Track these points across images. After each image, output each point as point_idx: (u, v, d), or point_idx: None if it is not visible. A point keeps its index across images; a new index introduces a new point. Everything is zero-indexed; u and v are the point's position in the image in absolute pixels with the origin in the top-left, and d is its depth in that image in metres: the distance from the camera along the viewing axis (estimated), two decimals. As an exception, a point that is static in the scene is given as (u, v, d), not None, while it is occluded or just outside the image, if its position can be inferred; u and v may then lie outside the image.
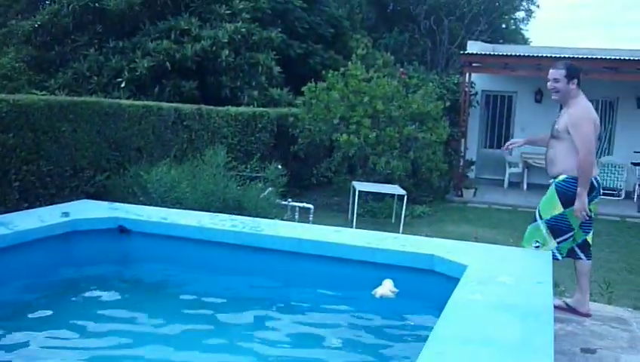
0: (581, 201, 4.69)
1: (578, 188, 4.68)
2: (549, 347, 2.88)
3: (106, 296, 4.59)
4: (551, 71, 4.87)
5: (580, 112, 4.83)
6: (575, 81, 4.82)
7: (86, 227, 5.60)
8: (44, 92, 10.58)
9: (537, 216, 4.93)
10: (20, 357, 3.54)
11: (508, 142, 5.54)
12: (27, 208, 6.46)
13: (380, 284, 4.25)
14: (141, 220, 5.55)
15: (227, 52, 12.75)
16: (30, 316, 4.12)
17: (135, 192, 7.59)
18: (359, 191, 10.29)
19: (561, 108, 5.05)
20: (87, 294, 4.61)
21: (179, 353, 3.69)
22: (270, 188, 8.34)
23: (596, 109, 16.76)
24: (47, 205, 6.44)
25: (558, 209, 4.79)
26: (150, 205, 6.60)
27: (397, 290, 4.14)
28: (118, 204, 6.19)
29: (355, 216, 10.20)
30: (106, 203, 6.27)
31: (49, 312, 4.21)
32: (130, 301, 4.53)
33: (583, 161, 4.68)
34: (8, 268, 4.68)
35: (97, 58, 12.53)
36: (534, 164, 15.99)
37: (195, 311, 4.32)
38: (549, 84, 4.90)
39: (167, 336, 3.91)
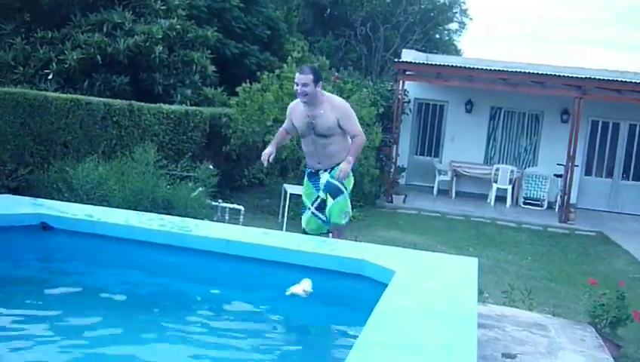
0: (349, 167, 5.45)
1: (352, 158, 5.43)
2: (472, 352, 2.94)
3: (26, 294, 4.42)
4: (299, 76, 5.26)
5: (342, 103, 5.54)
6: (320, 83, 5.32)
7: (6, 223, 5.38)
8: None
9: (342, 189, 5.50)
10: None
11: (264, 155, 5.64)
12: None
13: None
14: (65, 217, 5.37)
15: (161, 48, 12.51)
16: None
17: (60, 188, 7.36)
18: (290, 193, 10.28)
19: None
20: (3, 293, 4.42)
21: (97, 353, 3.57)
22: (200, 188, 8.23)
23: (523, 122, 17.33)
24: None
25: (351, 183, 5.62)
26: (75, 202, 6.41)
27: (311, 291, 4.10)
28: (41, 199, 5.98)
29: (285, 218, 10.19)
30: (29, 198, 6.05)
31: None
32: (51, 300, 4.37)
33: (362, 140, 5.53)
34: None
35: (24, 48, 12.07)
36: (463, 172, 16.39)
37: (118, 311, 4.20)
38: (298, 88, 5.25)
39: (88, 336, 3.79)
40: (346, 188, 5.51)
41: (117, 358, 3.59)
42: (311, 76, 5.22)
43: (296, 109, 5.53)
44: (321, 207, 5.58)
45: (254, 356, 3.85)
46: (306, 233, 5.67)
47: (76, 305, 4.35)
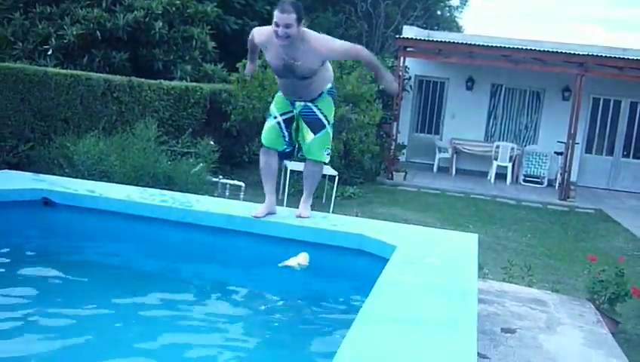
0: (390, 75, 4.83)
1: (385, 73, 4.71)
2: (472, 326, 2.96)
3: (27, 270, 4.43)
4: (280, 15, 4.20)
5: (323, 39, 4.51)
6: (302, 21, 4.34)
7: (8, 198, 5.39)
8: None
9: (325, 123, 4.76)
10: None
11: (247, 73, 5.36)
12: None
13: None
14: (67, 193, 5.38)
15: (161, 24, 12.45)
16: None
17: (61, 164, 7.36)
18: (291, 170, 10.28)
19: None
20: (5, 268, 4.44)
21: (98, 329, 3.60)
22: (201, 164, 8.24)
23: (523, 99, 17.28)
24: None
25: (333, 112, 4.86)
26: (76, 178, 6.41)
27: (306, 265, 4.12)
28: (42, 175, 5.98)
29: (286, 195, 10.20)
30: (30, 174, 6.05)
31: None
32: (52, 275, 4.39)
33: (361, 49, 4.65)
34: None
35: (22, 23, 12.00)
36: (463, 150, 16.38)
37: (119, 286, 4.23)
38: (279, 30, 4.22)
39: (88, 311, 3.81)
40: (328, 121, 4.77)
41: (118, 332, 3.62)
42: (294, 15, 4.21)
43: (269, 42, 4.47)
44: (289, 124, 4.77)
45: (255, 330, 3.89)
46: (262, 145, 4.96)
47: (77, 281, 4.37)
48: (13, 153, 7.70)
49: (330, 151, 4.93)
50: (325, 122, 4.77)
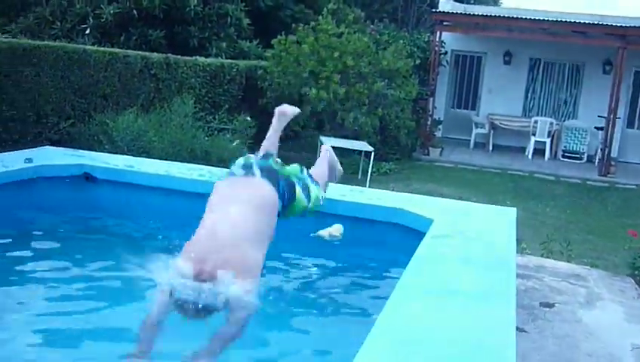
0: None
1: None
2: (511, 299, 2.95)
3: (68, 243, 4.54)
4: None
5: None
6: None
7: (51, 173, 5.51)
8: (5, 35, 10.25)
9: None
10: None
11: None
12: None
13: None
14: (107, 168, 5.48)
15: (195, 1, 12.48)
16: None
17: (101, 140, 7.48)
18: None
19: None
20: (48, 242, 4.54)
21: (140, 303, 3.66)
22: (238, 140, 8.29)
23: (563, 73, 16.91)
24: (10, 151, 6.31)
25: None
26: (116, 153, 6.51)
27: (339, 236, 4.16)
28: (83, 151, 6.09)
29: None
30: (72, 150, 6.16)
31: (10, 258, 4.15)
32: (92, 249, 4.48)
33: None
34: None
35: (60, 3, 12.14)
36: (500, 125, 16.17)
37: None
38: None
39: (129, 285, 3.87)
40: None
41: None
42: None
43: None
44: None
45: (292, 301, 3.91)
46: None
47: (116, 255, 4.43)
48: (54, 130, 7.85)
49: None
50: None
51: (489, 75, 17.31)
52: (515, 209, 4.81)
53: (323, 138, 10.80)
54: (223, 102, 11.03)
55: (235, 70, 11.69)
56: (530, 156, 15.54)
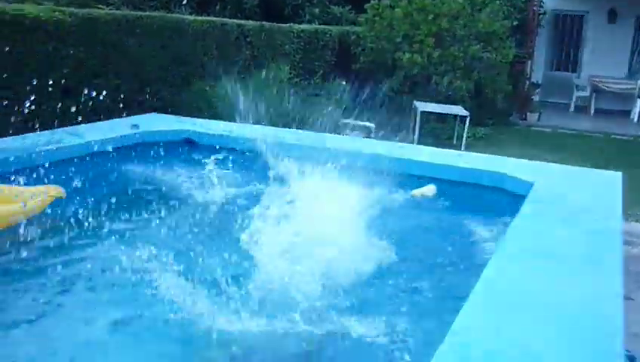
0: None
1: None
2: (617, 265, 2.87)
3: (173, 206, 4.70)
4: None
5: None
6: None
7: (154, 139, 5.76)
8: (110, 7, 10.67)
9: None
10: (93, 258, 3.72)
11: None
12: (97, 120, 6.64)
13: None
14: (207, 133, 5.67)
15: (289, -32, 12.54)
16: (96, 225, 4.26)
17: (200, 107, 7.71)
18: (421, 111, 10.18)
19: None
20: (154, 205, 4.71)
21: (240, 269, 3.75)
22: (332, 106, 8.33)
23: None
24: (117, 118, 6.62)
25: None
26: (215, 119, 6.68)
27: (430, 196, 4.16)
28: (185, 117, 6.31)
29: (417, 136, 10.14)
30: (174, 116, 6.40)
31: (116, 220, 4.35)
32: (194, 210, 4.60)
33: None
34: (80, 177, 4.88)
35: (157, -26, 12.49)
36: (603, 88, 15.45)
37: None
38: None
39: (231, 246, 3.98)
40: None
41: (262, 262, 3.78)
42: None
43: None
44: None
45: (390, 264, 3.93)
46: None
47: (216, 216, 4.56)
48: (157, 97, 8.14)
49: None
50: None
51: (591, 35, 16.52)
52: (620, 173, 4.64)
53: (418, 103, 10.69)
54: (317, 68, 11.09)
55: (328, 36, 11.70)
56: (635, 120, 14.80)
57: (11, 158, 4.54)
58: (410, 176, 4.60)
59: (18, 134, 5.03)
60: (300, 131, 5.65)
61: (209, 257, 3.48)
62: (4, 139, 5.03)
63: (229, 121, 6.51)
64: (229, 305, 2.97)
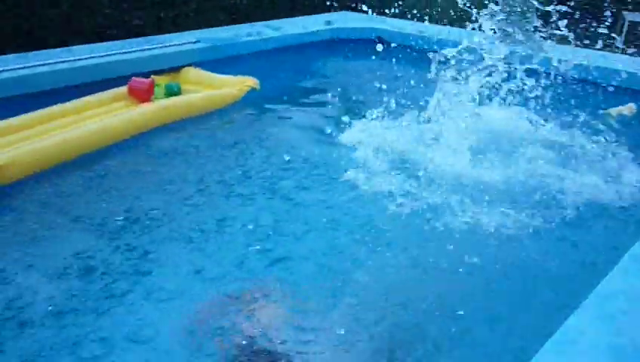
0: None
1: None
2: None
3: (360, 101, 4.79)
4: None
5: None
6: None
7: (346, 36, 5.88)
8: None
9: None
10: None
11: None
12: (293, 16, 6.87)
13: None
14: (399, 32, 5.68)
15: None
16: (284, 108, 4.50)
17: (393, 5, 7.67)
18: (630, 21, 9.35)
19: None
20: (346, 102, 4.82)
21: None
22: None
23: None
24: (311, 14, 6.80)
25: None
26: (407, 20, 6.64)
27: (628, 115, 3.98)
28: (377, 16, 6.34)
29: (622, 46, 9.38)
30: (366, 14, 6.44)
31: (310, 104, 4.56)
32: (380, 111, 4.64)
33: None
34: (276, 65, 5.15)
35: None
36: None
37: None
38: None
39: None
40: None
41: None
42: None
43: None
44: None
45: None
46: None
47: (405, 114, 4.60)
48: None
49: None
50: None
51: None
52: None
53: (626, 13, 9.81)
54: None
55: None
56: None
57: (219, 47, 4.91)
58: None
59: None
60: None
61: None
62: (214, 29, 5.41)
63: (420, 22, 6.42)
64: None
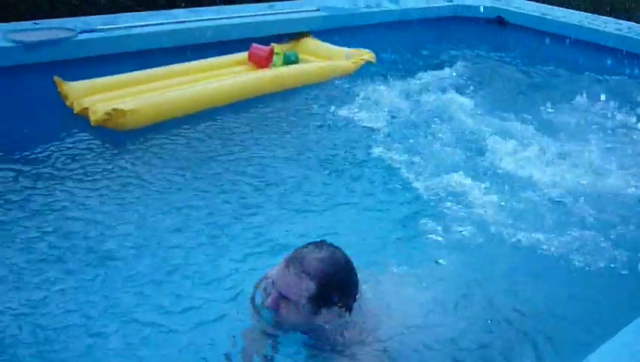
0: None
1: None
2: None
3: (474, 73, 4.75)
4: (278, 271, 1.86)
5: None
6: (335, 312, 1.85)
7: (467, 14, 5.79)
8: None
9: None
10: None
11: None
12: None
13: None
14: (521, 13, 5.55)
15: None
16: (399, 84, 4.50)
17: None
18: None
19: None
20: (455, 73, 4.79)
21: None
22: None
23: None
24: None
25: None
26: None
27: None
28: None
29: None
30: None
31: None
32: (492, 89, 4.58)
33: None
34: (393, 39, 5.16)
35: None
36: None
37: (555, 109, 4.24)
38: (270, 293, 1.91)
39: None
40: None
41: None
42: (308, 284, 1.79)
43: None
44: None
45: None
46: None
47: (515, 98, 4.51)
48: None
49: None
50: None
51: None
52: None
53: None
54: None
55: None
56: None
57: (338, 16, 4.98)
58: None
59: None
60: (621, 22, 5.24)
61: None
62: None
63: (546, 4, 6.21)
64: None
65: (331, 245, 1.82)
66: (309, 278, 1.74)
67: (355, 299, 1.82)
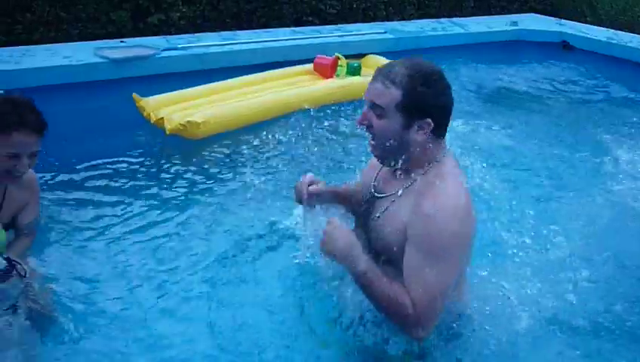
0: None
1: None
2: None
3: (518, 101, 4.80)
4: (370, 85, 1.86)
5: (434, 208, 1.75)
6: (428, 124, 1.79)
7: (531, 38, 5.87)
8: None
9: None
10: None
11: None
12: (479, 15, 6.91)
13: None
14: (586, 38, 5.60)
15: None
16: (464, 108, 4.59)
17: (583, 11, 7.47)
18: None
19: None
20: (520, 104, 4.82)
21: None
22: None
23: None
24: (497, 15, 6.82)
25: None
26: (598, 26, 6.47)
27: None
28: (565, 20, 6.26)
29: None
30: (553, 18, 6.38)
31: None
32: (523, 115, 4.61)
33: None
34: (455, 62, 5.25)
35: None
36: None
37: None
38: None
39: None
40: None
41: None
42: (394, 91, 1.78)
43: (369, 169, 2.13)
44: None
45: None
46: None
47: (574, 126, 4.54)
48: (538, 0, 8.01)
49: None
50: None
51: None
52: None
53: None
54: None
55: None
56: None
57: (404, 39, 5.13)
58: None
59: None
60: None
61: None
62: (401, 22, 5.63)
63: (613, 29, 6.22)
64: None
65: (424, 60, 1.83)
66: (395, 86, 1.76)
67: (447, 120, 1.81)
